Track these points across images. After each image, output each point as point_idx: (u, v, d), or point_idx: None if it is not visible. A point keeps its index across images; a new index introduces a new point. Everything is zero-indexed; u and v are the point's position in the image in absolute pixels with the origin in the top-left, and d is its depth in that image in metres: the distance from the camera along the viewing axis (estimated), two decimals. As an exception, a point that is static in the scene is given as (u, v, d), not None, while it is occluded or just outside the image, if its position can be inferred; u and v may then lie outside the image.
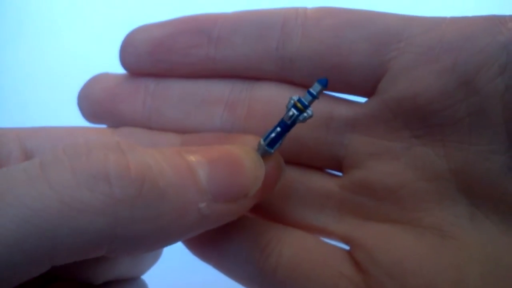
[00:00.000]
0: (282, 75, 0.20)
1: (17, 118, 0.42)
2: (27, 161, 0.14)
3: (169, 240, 0.16)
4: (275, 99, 0.20)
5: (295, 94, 0.18)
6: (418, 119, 0.18)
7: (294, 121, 0.18)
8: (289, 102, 0.18)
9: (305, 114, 0.17)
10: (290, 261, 0.19)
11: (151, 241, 0.15)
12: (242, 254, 0.19)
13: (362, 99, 0.20)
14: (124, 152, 0.15)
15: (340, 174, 0.21)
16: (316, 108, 0.19)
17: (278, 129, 0.18)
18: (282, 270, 0.19)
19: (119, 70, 0.22)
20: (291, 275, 0.19)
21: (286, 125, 0.18)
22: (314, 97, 0.17)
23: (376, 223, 0.19)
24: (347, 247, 0.20)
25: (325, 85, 0.17)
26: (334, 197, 0.20)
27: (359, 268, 0.19)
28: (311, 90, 0.17)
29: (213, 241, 0.20)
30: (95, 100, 0.22)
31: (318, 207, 0.20)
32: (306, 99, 0.17)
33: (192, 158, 0.16)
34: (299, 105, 0.17)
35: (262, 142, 0.18)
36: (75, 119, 0.23)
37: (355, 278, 0.18)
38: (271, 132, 0.18)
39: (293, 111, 0.17)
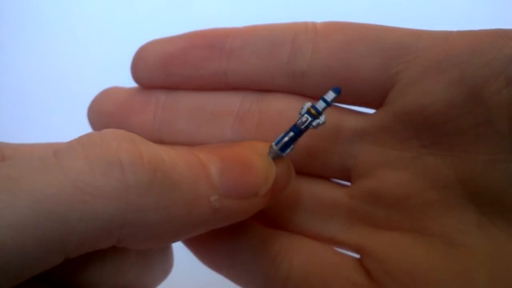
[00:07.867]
0: (293, 88, 0.20)
1: (18, 119, 0.42)
2: (41, 152, 0.15)
3: (179, 232, 0.16)
4: (285, 111, 0.20)
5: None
6: (426, 129, 0.18)
7: (307, 126, 0.18)
8: (303, 108, 0.18)
9: (318, 120, 0.18)
10: (301, 270, 0.19)
11: (161, 231, 0.15)
12: (253, 263, 0.20)
13: (371, 110, 0.20)
14: (137, 143, 0.15)
15: (348, 183, 0.21)
16: (326, 119, 0.19)
17: (291, 133, 0.18)
18: (293, 279, 0.19)
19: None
20: (302, 284, 0.19)
21: (299, 130, 0.18)
22: (328, 104, 0.18)
23: (386, 231, 0.19)
24: (357, 256, 0.20)
25: (339, 93, 0.18)
26: (343, 206, 0.20)
27: (370, 277, 0.19)
28: (325, 97, 0.18)
29: (224, 250, 0.20)
30: (106, 113, 0.22)
31: (327, 216, 0.21)
32: (319, 105, 0.18)
33: (204, 155, 0.16)
34: (312, 111, 0.18)
35: (274, 146, 0.18)
36: (75, 119, 0.23)
37: (366, 287, 0.19)
38: (284, 136, 0.18)
39: (307, 116, 0.18)
